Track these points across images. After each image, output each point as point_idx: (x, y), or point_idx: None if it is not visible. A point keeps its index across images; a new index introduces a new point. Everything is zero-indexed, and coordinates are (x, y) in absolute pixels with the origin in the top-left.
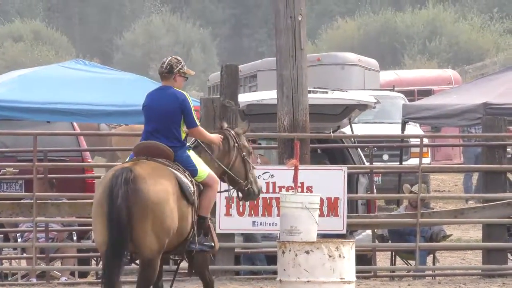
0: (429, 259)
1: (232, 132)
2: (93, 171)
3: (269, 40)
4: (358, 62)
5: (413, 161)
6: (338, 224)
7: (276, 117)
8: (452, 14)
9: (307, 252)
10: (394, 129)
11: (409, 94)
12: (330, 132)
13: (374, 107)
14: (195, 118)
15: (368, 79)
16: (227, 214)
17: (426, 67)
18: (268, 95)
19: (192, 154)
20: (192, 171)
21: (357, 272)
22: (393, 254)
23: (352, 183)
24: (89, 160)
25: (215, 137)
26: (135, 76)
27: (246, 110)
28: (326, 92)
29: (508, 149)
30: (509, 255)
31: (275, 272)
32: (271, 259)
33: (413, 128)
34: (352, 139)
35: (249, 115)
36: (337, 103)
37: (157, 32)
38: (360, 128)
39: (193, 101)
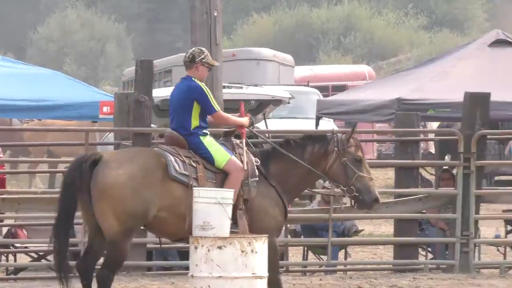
0: (341, 254)
1: (339, 137)
2: (3, 166)
3: (185, 35)
4: (273, 58)
5: None
6: None
7: None
8: (368, 10)
9: (220, 248)
10: (308, 125)
11: (324, 90)
12: None
13: (289, 103)
14: (213, 104)
15: (283, 74)
16: None
17: (341, 63)
18: None
19: (207, 140)
20: (206, 158)
21: None
22: (305, 249)
23: None
24: (0, 156)
25: (242, 119)
26: (49, 71)
27: (161, 105)
28: (241, 87)
29: (422, 145)
30: (420, 250)
31: (187, 268)
32: (184, 254)
33: (327, 124)
34: (267, 134)
35: (163, 110)
36: (251, 98)
37: (71, 27)
38: (275, 123)
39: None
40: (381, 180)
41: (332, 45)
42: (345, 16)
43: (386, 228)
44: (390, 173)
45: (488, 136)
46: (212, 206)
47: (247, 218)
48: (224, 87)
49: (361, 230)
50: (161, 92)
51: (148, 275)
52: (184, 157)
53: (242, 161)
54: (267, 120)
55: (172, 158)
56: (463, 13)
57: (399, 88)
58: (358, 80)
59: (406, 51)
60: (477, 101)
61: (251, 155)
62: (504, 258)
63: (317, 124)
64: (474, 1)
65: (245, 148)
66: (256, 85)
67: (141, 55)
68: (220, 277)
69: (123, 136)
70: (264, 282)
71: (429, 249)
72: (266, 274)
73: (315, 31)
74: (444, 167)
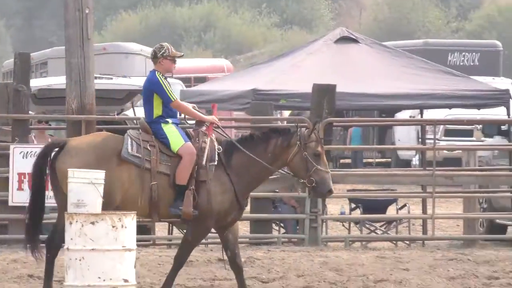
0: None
1: (302, 131)
2: None
3: (59, 30)
4: (140, 52)
5: None
6: None
7: (65, 101)
8: (225, 9)
9: (93, 223)
10: None
11: (187, 81)
12: (115, 114)
13: None
14: (170, 95)
15: (149, 67)
16: (19, 188)
17: (201, 57)
18: (58, 81)
19: (167, 127)
20: (164, 142)
21: (137, 240)
22: (170, 224)
23: None
24: None
25: (207, 117)
26: None
27: (38, 94)
28: (111, 78)
29: None
30: (273, 225)
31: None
32: None
33: None
34: (134, 121)
35: (40, 98)
36: (120, 88)
37: None
38: (142, 111)
39: None
40: None
41: (193, 41)
42: (205, 14)
43: None
44: None
45: (334, 124)
46: (85, 186)
47: (195, 198)
48: (95, 78)
49: None
50: (38, 82)
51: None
52: (142, 141)
53: (202, 148)
54: (135, 107)
55: (129, 141)
56: (311, 13)
57: (254, 80)
58: (218, 72)
59: (260, 47)
60: (324, 92)
61: (215, 143)
62: (349, 232)
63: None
64: (321, 2)
65: (207, 137)
66: (125, 77)
67: (19, 49)
68: (93, 249)
69: (3, 121)
70: (133, 254)
71: (282, 224)
72: (135, 247)
73: (178, 28)
74: None
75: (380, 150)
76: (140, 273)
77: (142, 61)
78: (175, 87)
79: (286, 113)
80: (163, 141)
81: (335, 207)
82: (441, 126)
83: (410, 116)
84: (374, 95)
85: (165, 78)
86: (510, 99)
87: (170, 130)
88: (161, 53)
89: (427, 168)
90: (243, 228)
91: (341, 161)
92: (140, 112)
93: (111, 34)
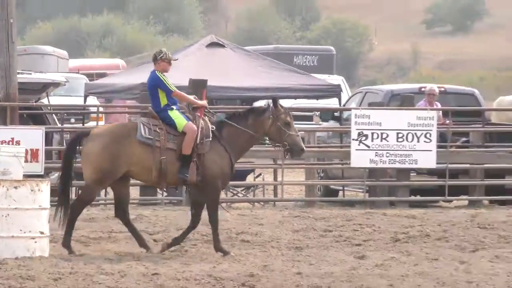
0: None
1: (271, 107)
2: None
3: None
4: (53, 53)
5: (92, 123)
6: (38, 167)
7: None
8: (121, 20)
9: (16, 188)
10: (79, 101)
11: (90, 76)
12: (33, 102)
13: (65, 85)
14: (169, 87)
15: (60, 65)
16: None
17: (102, 57)
18: None
19: (172, 112)
20: (171, 124)
21: (53, 202)
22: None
23: (48, 139)
24: None
25: (200, 102)
26: None
27: None
28: (30, 74)
29: None
30: (158, 189)
31: None
32: None
33: (92, 100)
34: (49, 107)
35: None
36: (37, 81)
37: None
38: (55, 100)
39: None
40: None
41: (95, 45)
42: (104, 23)
43: None
44: None
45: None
46: (11, 158)
47: (198, 168)
48: (18, 73)
49: None
50: None
51: None
52: (152, 125)
53: (198, 127)
54: (49, 97)
55: (141, 127)
56: (188, 23)
57: (143, 75)
58: (114, 69)
59: (148, 50)
60: (198, 85)
61: (209, 123)
62: None
63: (85, 100)
64: (196, 14)
65: (200, 119)
66: (41, 72)
67: None
68: (16, 208)
69: None
70: (47, 212)
71: (165, 189)
72: (48, 206)
73: (83, 34)
74: None
75: None
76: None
77: (54, 60)
78: (80, 81)
79: None
80: (170, 123)
81: None
82: None
83: (264, 105)
84: (237, 88)
85: (163, 75)
86: (341, 92)
87: (175, 115)
88: (160, 56)
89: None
90: (133, 192)
91: None
92: (53, 100)
93: (31, 38)
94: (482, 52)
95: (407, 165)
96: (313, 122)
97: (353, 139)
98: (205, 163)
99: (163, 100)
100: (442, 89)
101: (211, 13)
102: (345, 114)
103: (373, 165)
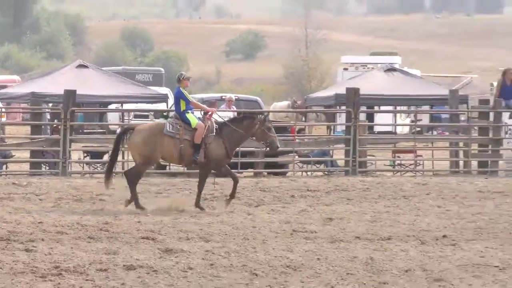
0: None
1: (259, 117)
2: None
3: None
4: None
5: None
6: None
7: None
8: (17, 49)
9: None
10: None
11: None
12: None
13: None
14: (189, 98)
15: None
16: None
17: (3, 75)
18: None
19: (189, 115)
20: (187, 123)
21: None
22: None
23: None
24: None
25: (209, 108)
26: None
27: None
28: None
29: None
30: (42, 164)
31: None
32: None
33: None
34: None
35: None
36: None
37: None
38: None
39: None
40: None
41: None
42: (5, 51)
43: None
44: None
45: (76, 111)
46: None
47: (205, 152)
48: None
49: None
50: None
51: None
52: (175, 124)
53: (205, 125)
54: None
55: (168, 124)
56: (63, 51)
57: (33, 86)
58: (13, 82)
59: (36, 69)
60: (70, 94)
61: (214, 123)
62: (89, 168)
63: None
64: (69, 45)
65: (208, 120)
66: None
67: None
68: None
69: None
70: None
71: (47, 165)
72: None
73: None
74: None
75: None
76: None
77: None
78: None
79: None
80: (187, 122)
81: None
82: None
83: (116, 107)
84: (97, 95)
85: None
86: (168, 99)
87: (190, 116)
88: (182, 77)
89: None
90: (23, 166)
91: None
92: None
93: None
94: (262, 73)
95: None
96: (149, 119)
97: None
98: (209, 150)
99: (183, 107)
100: (237, 97)
101: (79, 44)
102: (171, 114)
103: None
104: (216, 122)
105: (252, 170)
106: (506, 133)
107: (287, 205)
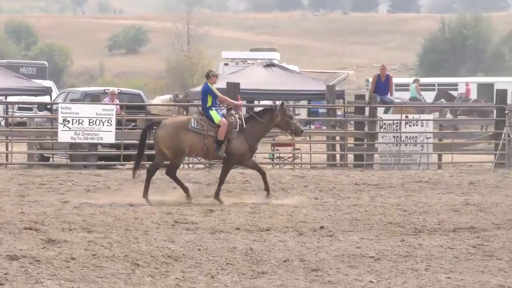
0: None
1: (279, 107)
2: None
3: None
4: None
5: None
6: None
7: None
8: None
9: None
10: None
11: None
12: None
13: None
14: (216, 93)
15: None
16: None
17: None
18: None
19: (212, 111)
20: (211, 119)
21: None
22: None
23: None
24: None
25: (236, 102)
26: None
27: None
28: None
29: None
30: None
31: None
32: None
33: None
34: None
35: None
36: None
37: None
38: None
39: None
40: None
41: None
42: None
43: None
44: None
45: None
46: None
47: (227, 147)
48: None
49: None
50: None
51: None
52: (199, 120)
53: (229, 121)
54: None
55: (193, 120)
56: None
57: None
58: None
59: None
60: None
61: (238, 118)
62: None
63: None
64: None
65: (232, 115)
66: None
67: None
68: None
69: None
70: None
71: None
72: None
73: None
74: None
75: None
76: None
77: None
78: None
79: None
80: (210, 118)
81: None
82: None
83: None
84: None
85: (212, 85)
86: (52, 92)
87: (214, 113)
88: (211, 73)
89: None
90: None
91: None
92: None
93: None
94: (145, 67)
95: (95, 141)
96: (33, 112)
97: (59, 123)
98: (231, 145)
99: (209, 103)
100: (119, 90)
101: None
102: (54, 106)
103: (73, 141)
104: (244, 116)
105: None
106: (381, 127)
107: (169, 196)
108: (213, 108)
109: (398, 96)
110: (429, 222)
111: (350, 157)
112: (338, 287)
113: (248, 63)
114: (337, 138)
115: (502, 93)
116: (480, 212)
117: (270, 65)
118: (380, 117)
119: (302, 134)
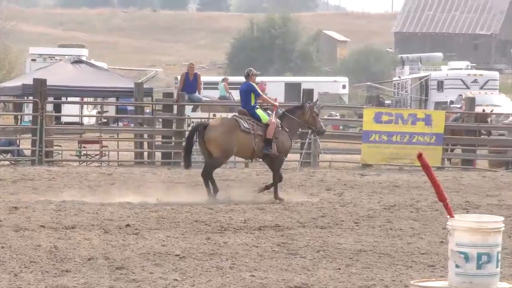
0: None
1: (307, 105)
2: None
3: None
4: None
5: None
6: None
7: None
8: None
9: None
10: None
11: None
12: None
13: None
14: (259, 92)
15: None
16: None
17: None
18: None
19: (258, 111)
20: (257, 118)
21: None
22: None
23: None
24: None
25: (274, 102)
26: None
27: None
28: None
29: None
30: None
31: None
32: None
33: None
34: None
35: None
36: None
37: None
38: None
39: None
40: None
41: None
42: None
43: None
44: None
45: None
46: None
47: (276, 145)
48: None
49: None
50: None
51: None
52: (247, 120)
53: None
54: None
55: (242, 121)
56: None
57: None
58: None
59: None
60: None
61: (276, 118)
62: None
63: None
64: None
65: (274, 115)
66: None
67: None
68: None
69: None
70: None
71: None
72: None
73: None
74: None
75: None
76: None
77: None
78: None
79: None
80: (257, 118)
81: None
82: None
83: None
84: None
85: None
86: None
87: (260, 112)
88: (252, 73)
89: None
90: None
91: None
92: None
93: None
94: None
95: None
96: None
97: None
98: (279, 143)
99: (253, 101)
100: None
101: None
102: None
103: None
104: (277, 115)
105: None
106: (188, 125)
107: None
108: (257, 107)
109: (207, 94)
110: (234, 220)
111: (158, 155)
112: (143, 285)
113: (56, 59)
114: (145, 136)
115: (309, 93)
116: (285, 210)
117: (78, 61)
118: (188, 116)
119: (324, 134)
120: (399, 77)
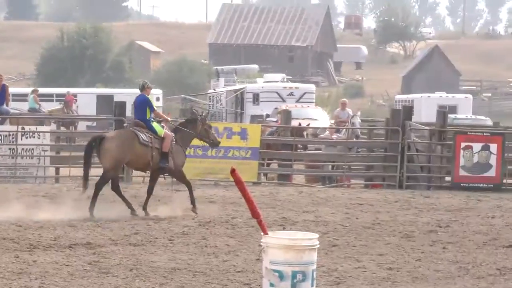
0: None
1: (200, 119)
2: None
3: None
4: None
5: None
6: None
7: None
8: None
9: None
10: None
11: None
12: None
13: None
14: (154, 107)
15: None
16: None
17: None
18: None
19: (154, 124)
20: (154, 132)
21: None
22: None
23: None
24: None
25: (166, 117)
26: None
27: None
28: None
29: None
30: None
31: None
32: None
33: None
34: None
35: None
36: None
37: None
38: None
39: None
40: None
41: None
42: None
43: None
44: None
45: None
46: None
47: (172, 158)
48: None
49: None
50: None
51: None
52: (145, 133)
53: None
54: None
55: (140, 134)
56: None
57: None
58: None
59: None
60: None
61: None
62: None
63: None
64: None
65: (167, 129)
66: None
67: None
68: None
69: None
70: None
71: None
72: None
73: None
74: None
75: None
76: None
77: None
78: None
79: None
80: (154, 131)
81: None
82: None
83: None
84: None
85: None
86: None
87: (155, 125)
88: (147, 85)
89: None
90: None
91: None
92: None
93: None
94: None
95: None
96: None
97: None
98: (174, 157)
99: (148, 115)
100: None
101: None
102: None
103: None
104: (170, 128)
105: None
106: None
107: None
108: (154, 121)
109: (15, 106)
110: (44, 238)
111: None
112: None
113: None
114: None
115: (121, 105)
116: (97, 227)
117: None
118: None
119: (218, 145)
120: (214, 89)
